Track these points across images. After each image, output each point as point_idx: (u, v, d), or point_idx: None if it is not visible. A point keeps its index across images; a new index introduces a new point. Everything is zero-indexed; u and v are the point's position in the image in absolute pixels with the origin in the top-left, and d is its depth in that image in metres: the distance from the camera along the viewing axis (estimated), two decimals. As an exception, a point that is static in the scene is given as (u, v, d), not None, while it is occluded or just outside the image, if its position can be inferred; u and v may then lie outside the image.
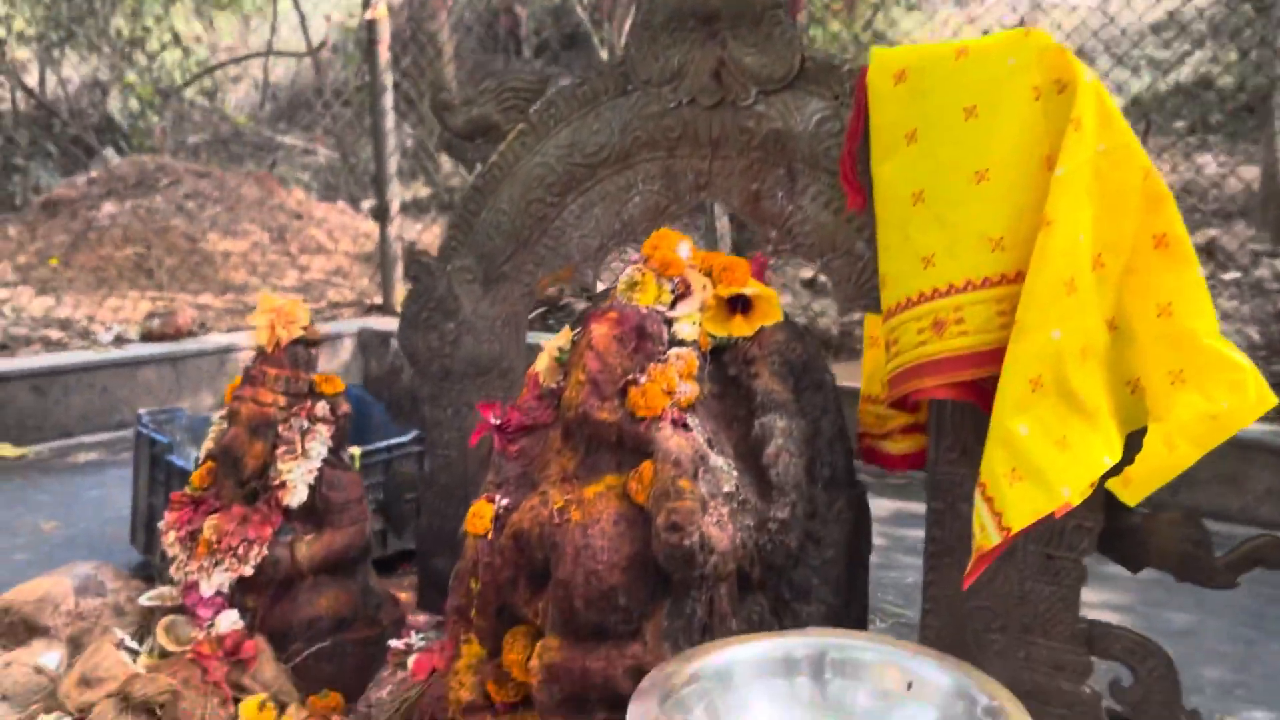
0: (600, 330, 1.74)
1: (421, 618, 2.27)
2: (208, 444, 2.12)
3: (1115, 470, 1.58)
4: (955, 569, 1.73)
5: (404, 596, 2.43)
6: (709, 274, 1.82)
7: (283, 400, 2.06)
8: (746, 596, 1.71)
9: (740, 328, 1.80)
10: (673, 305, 1.80)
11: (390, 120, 5.18)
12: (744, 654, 1.34)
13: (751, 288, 1.80)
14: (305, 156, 9.42)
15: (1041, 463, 1.45)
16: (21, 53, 8.82)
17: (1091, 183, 1.47)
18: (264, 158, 9.06)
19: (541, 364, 1.86)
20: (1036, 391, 1.46)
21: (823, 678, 1.32)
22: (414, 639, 1.90)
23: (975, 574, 1.52)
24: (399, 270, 5.28)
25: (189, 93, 9.51)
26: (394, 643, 1.90)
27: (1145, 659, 1.61)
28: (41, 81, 8.89)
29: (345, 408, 2.11)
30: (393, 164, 5.22)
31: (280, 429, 2.05)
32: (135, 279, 5.66)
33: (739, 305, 1.81)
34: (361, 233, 6.90)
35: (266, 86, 10.23)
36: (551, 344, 1.85)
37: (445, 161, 8.21)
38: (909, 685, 1.30)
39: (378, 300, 5.55)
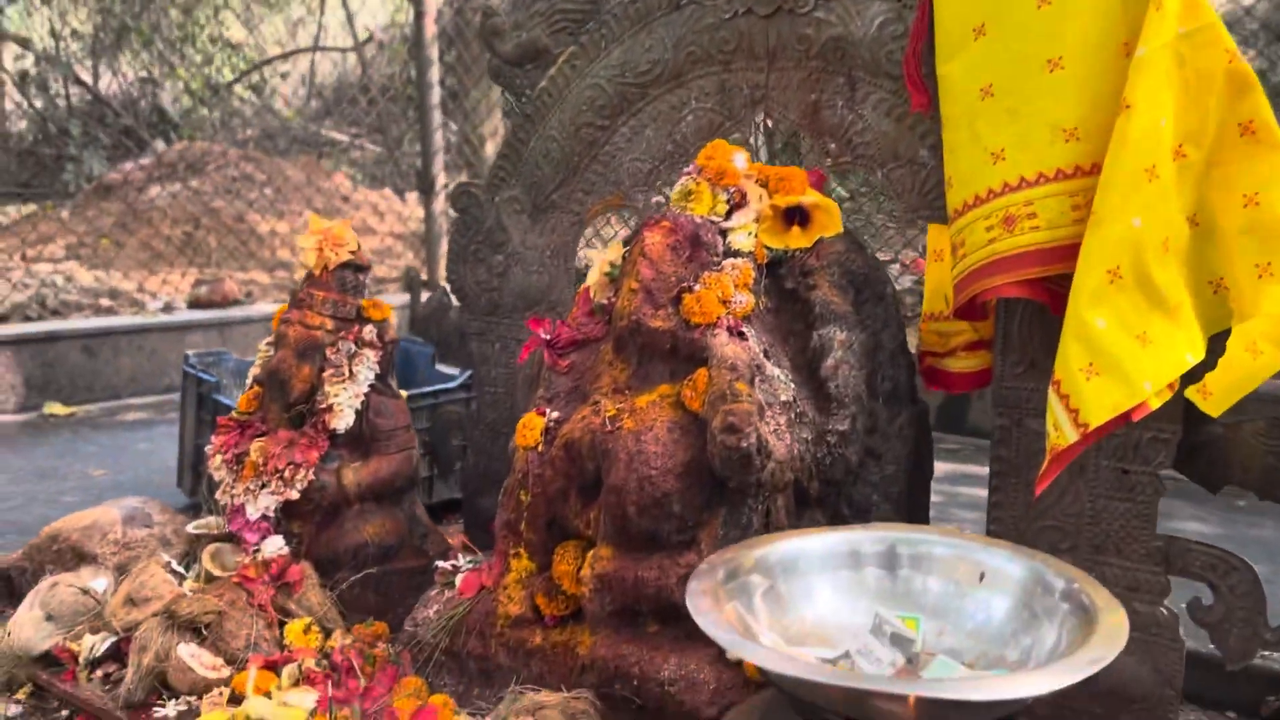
0: (654, 238, 1.69)
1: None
2: (254, 369, 2.10)
3: (1195, 378, 1.51)
4: (1022, 489, 1.66)
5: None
6: (765, 184, 1.77)
7: (330, 324, 2.04)
8: (804, 512, 1.66)
9: (798, 239, 1.75)
10: (728, 215, 1.75)
11: (436, 95, 5.19)
12: (810, 545, 1.29)
13: (810, 197, 1.74)
14: (351, 152, 9.49)
15: (1121, 356, 1.37)
16: (75, 47, 8.97)
17: (1172, 68, 1.40)
18: (310, 152, 9.14)
19: (592, 279, 1.82)
20: (1114, 283, 1.38)
21: (892, 569, 1.26)
22: (461, 561, 1.86)
23: (1049, 477, 1.44)
24: (444, 246, 5.28)
25: (237, 89, 9.63)
26: (441, 563, 1.86)
27: (1227, 574, 1.53)
28: (95, 76, 9.03)
29: (392, 333, 2.09)
30: (439, 138, 5.23)
31: (328, 352, 2.02)
32: (184, 256, 5.72)
33: (796, 217, 1.76)
34: (405, 215, 6.92)
35: (312, 83, 10.33)
36: (603, 259, 1.81)
37: (489, 153, 8.22)
38: (981, 576, 1.23)
39: (423, 277, 5.56)
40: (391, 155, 8.76)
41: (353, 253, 2.05)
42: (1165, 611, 1.57)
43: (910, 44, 1.66)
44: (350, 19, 9.23)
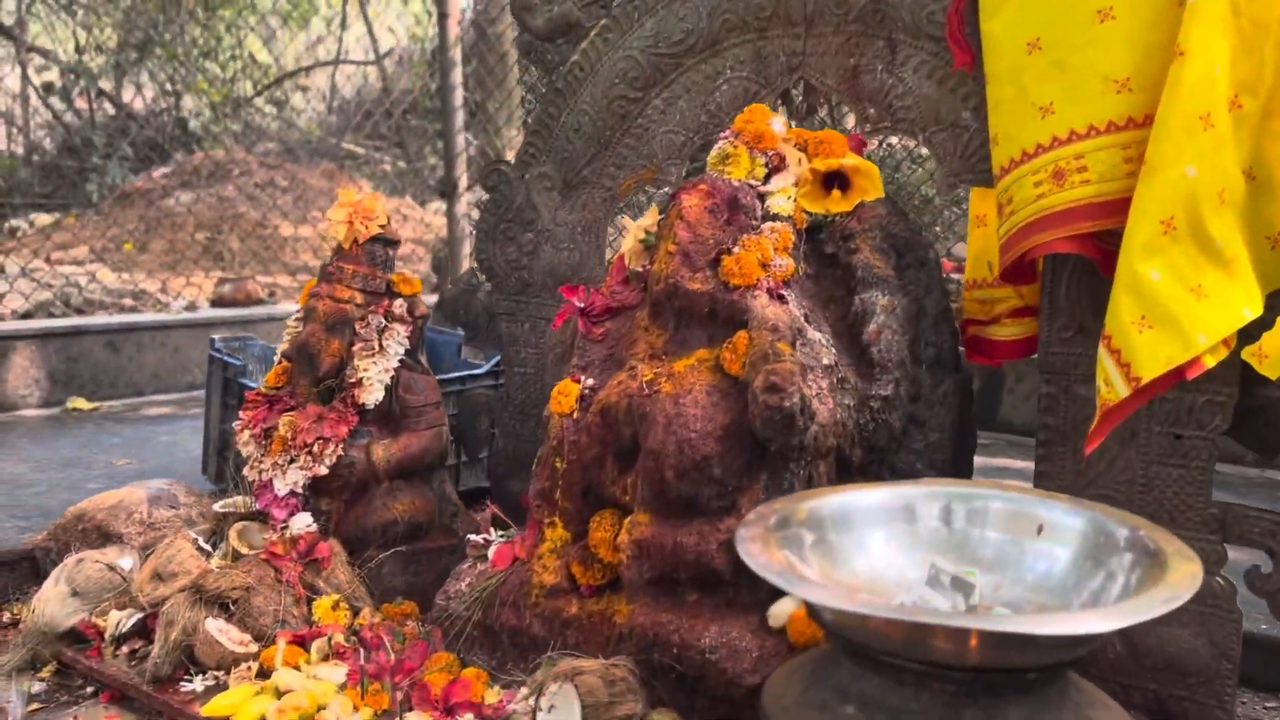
0: (691, 201, 1.66)
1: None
2: (283, 345, 2.07)
3: (1251, 339, 1.46)
4: (1070, 456, 1.61)
5: (477, 529, 2.36)
6: (804, 148, 1.74)
7: (360, 297, 2.01)
8: (846, 480, 1.61)
9: (838, 204, 1.71)
10: (766, 179, 1.73)
11: (459, 96, 5.18)
12: (862, 499, 1.24)
13: (850, 161, 1.71)
14: (371, 166, 9.52)
15: (1175, 309, 1.33)
16: (100, 60, 9.04)
17: (1227, 15, 1.36)
18: (332, 164, 9.16)
19: (627, 246, 1.79)
20: (1168, 234, 1.34)
21: (947, 523, 1.22)
22: (493, 535, 1.82)
23: (1100, 436, 1.40)
24: (466, 248, 5.26)
25: (258, 102, 9.68)
26: (472, 537, 1.83)
27: (1288, 541, 1.47)
28: (118, 88, 9.10)
29: (423, 308, 2.06)
30: (460, 141, 5.21)
31: (357, 326, 2.00)
32: (207, 257, 5.73)
33: (836, 181, 1.73)
34: (425, 223, 6.93)
35: (333, 97, 10.38)
36: (637, 225, 1.78)
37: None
38: (1039, 529, 1.19)
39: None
40: (412, 166, 8.78)
41: (383, 226, 2.03)
42: (1222, 581, 1.52)
43: (953, 2, 1.63)
44: (371, 31, 9.28)
